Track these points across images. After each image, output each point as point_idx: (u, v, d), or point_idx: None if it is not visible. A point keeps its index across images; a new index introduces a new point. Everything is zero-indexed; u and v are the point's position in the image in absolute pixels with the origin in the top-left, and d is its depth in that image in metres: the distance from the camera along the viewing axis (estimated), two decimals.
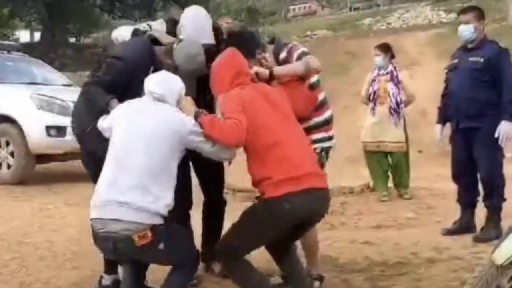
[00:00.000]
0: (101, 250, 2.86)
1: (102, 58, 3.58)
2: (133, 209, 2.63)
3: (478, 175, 4.47)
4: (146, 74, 3.04)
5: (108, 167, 2.79)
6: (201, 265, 3.62)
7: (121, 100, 3.05)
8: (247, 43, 3.19)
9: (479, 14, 4.52)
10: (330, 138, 3.39)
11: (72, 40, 34.59)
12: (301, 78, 3.27)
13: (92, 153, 3.25)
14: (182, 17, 3.42)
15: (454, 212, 4.73)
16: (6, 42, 10.39)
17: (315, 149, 3.25)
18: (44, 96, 7.07)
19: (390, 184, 6.34)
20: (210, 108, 3.24)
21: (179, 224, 2.95)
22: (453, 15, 25.10)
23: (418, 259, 3.99)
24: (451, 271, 3.68)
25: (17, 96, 7.18)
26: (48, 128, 6.85)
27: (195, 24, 3.36)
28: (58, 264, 4.02)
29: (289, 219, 2.76)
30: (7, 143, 7.06)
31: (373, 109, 6.21)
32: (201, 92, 3.35)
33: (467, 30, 4.45)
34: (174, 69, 3.12)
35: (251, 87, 2.99)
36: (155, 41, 3.31)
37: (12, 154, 6.99)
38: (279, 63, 3.31)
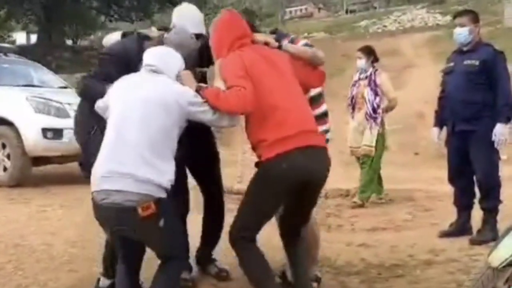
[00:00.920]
0: (102, 221, 2.77)
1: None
2: (137, 181, 2.60)
3: (474, 178, 4.49)
4: (137, 69, 3.02)
5: (108, 140, 2.75)
6: (197, 268, 3.64)
7: None
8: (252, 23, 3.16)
9: (474, 17, 4.54)
10: (327, 131, 3.39)
11: (69, 42, 34.51)
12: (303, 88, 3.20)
13: (86, 154, 3.23)
14: (173, 16, 3.43)
15: (450, 214, 4.74)
16: (3, 45, 10.36)
17: None
18: (40, 99, 7.06)
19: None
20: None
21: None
22: (449, 18, 25.18)
23: (415, 261, 4.00)
24: (448, 273, 3.69)
25: (13, 98, 7.16)
26: (44, 130, 6.84)
27: (184, 16, 3.37)
28: (55, 266, 4.00)
29: (288, 178, 2.73)
30: (4, 146, 7.05)
31: (352, 114, 6.15)
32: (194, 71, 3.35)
33: (462, 33, 4.47)
34: None
35: (251, 49, 2.93)
36: (145, 38, 3.31)
37: (8, 156, 6.98)
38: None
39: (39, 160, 7.18)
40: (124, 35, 3.49)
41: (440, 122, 4.71)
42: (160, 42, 3.17)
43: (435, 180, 6.80)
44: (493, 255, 2.38)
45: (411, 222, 5.32)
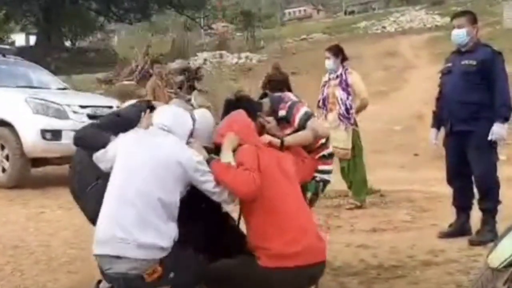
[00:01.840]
0: (112, 286, 2.81)
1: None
2: (138, 246, 2.60)
3: (473, 178, 4.48)
4: None
5: (109, 200, 2.73)
6: None
7: None
8: (247, 109, 3.15)
9: (472, 18, 4.55)
10: (329, 172, 3.48)
11: (68, 43, 34.51)
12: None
13: (83, 209, 3.16)
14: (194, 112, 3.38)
15: (449, 215, 4.74)
16: (2, 46, 10.36)
17: (314, 177, 3.37)
18: (39, 100, 7.06)
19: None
20: None
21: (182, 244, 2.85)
22: (448, 19, 25.16)
23: (414, 262, 4.00)
24: (447, 274, 3.69)
25: (12, 100, 7.17)
26: (43, 131, 6.85)
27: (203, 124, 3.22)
28: (53, 268, 4.00)
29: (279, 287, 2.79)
30: (2, 147, 7.05)
31: (325, 115, 6.02)
32: None
33: (460, 34, 4.48)
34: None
35: (267, 150, 2.97)
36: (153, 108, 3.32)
37: (7, 157, 6.98)
38: (277, 120, 3.31)
39: (38, 161, 7.19)
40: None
41: (438, 122, 4.71)
42: None
43: (434, 181, 6.80)
44: (493, 255, 2.38)
45: (411, 223, 5.32)
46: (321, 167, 3.41)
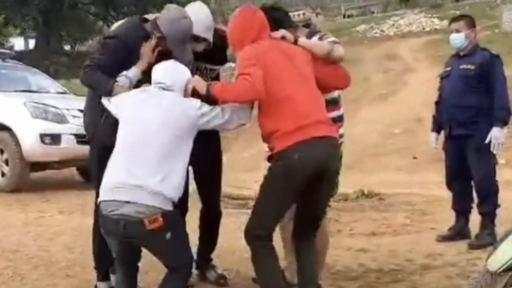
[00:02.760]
0: (108, 231, 2.79)
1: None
2: (148, 192, 2.64)
3: (472, 182, 4.49)
4: (138, 51, 3.07)
5: (120, 152, 2.79)
6: (196, 273, 3.63)
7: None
8: (279, 17, 3.15)
9: (470, 22, 4.56)
10: (341, 136, 3.35)
11: (67, 47, 34.55)
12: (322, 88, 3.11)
13: (104, 148, 3.12)
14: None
15: (448, 219, 4.74)
16: (1, 50, 10.37)
17: None
18: (38, 104, 7.06)
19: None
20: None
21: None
22: (446, 22, 25.21)
23: (413, 266, 4.00)
24: (446, 278, 3.69)
25: (11, 104, 7.17)
26: (42, 135, 6.84)
27: (196, 15, 3.29)
28: (52, 272, 3.99)
29: (301, 170, 2.72)
30: (2, 151, 7.04)
31: None
32: (206, 70, 3.43)
33: (458, 38, 4.49)
34: (163, 39, 3.12)
35: (268, 42, 2.93)
36: (144, 20, 3.32)
37: (6, 162, 6.97)
38: None
39: (37, 166, 7.18)
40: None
41: (437, 126, 4.72)
42: (154, 24, 3.17)
43: (433, 184, 6.81)
44: (492, 259, 2.38)
45: (410, 226, 5.32)
46: None
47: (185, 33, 3.15)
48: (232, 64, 3.37)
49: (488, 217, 4.41)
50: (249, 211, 3.03)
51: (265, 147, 2.98)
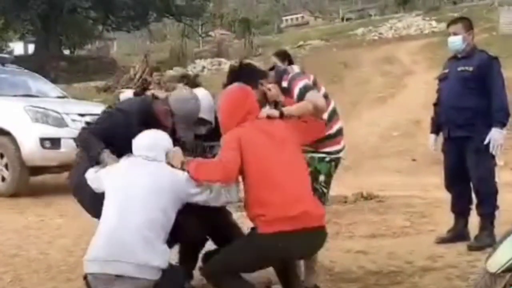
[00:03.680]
0: None
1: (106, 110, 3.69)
2: (138, 265, 2.69)
3: (471, 184, 4.50)
4: (140, 131, 3.14)
5: (108, 222, 2.83)
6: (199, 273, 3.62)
7: (116, 152, 3.16)
8: (250, 77, 3.19)
9: (467, 24, 4.57)
10: (339, 151, 3.44)
11: (66, 52, 34.57)
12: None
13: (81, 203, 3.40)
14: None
15: (448, 221, 4.75)
16: (2, 55, 10.39)
17: (324, 158, 3.35)
18: (38, 108, 7.08)
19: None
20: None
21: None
22: (444, 24, 25.26)
23: (413, 268, 4.00)
24: (446, 280, 3.69)
25: (11, 109, 7.19)
26: (42, 140, 6.86)
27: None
28: (52, 276, 4.00)
29: (279, 255, 2.84)
30: (2, 156, 7.06)
31: None
32: (207, 148, 3.50)
33: (456, 41, 4.50)
34: (171, 114, 3.28)
35: (252, 124, 2.98)
36: (154, 98, 3.47)
37: (6, 166, 6.99)
38: (282, 91, 3.32)
39: (37, 170, 7.19)
40: (136, 94, 3.73)
41: (436, 128, 4.73)
42: (165, 99, 3.33)
43: (432, 186, 6.80)
44: (491, 260, 2.38)
45: (409, 228, 5.31)
46: (328, 149, 3.37)
47: (192, 113, 3.30)
48: None
49: (487, 219, 4.41)
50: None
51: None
